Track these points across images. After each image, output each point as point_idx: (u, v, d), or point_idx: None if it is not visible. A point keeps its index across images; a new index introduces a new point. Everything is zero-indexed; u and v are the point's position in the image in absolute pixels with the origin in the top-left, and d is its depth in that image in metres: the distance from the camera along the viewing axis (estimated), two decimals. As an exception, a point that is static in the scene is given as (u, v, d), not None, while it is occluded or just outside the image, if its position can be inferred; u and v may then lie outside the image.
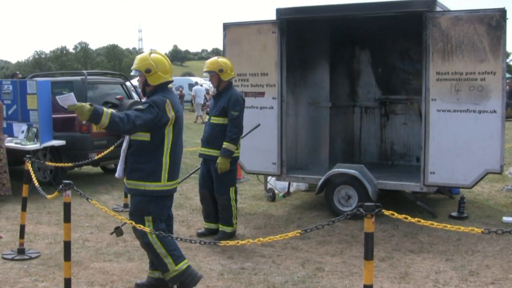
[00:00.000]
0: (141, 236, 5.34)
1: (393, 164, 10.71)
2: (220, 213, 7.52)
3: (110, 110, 4.96)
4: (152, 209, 5.34)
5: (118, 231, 6.85)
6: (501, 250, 6.85)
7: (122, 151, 5.49)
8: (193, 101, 30.32)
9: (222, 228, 7.52)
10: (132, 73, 5.49)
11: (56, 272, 6.20)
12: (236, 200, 7.55)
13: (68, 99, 5.14)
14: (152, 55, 5.37)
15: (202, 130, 7.94)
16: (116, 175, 5.60)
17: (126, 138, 5.40)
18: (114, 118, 4.91)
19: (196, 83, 33.85)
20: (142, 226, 5.21)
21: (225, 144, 7.22)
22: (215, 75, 7.35)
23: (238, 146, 7.35)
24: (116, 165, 12.69)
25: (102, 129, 5.27)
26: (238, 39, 9.07)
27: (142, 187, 5.33)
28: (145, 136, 5.25)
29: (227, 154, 7.23)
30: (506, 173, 9.80)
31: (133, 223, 5.26)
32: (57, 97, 5.19)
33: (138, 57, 5.44)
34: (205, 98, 29.73)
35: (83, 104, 4.91)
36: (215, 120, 7.37)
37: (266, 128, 8.77)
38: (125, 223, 7.01)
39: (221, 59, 7.48)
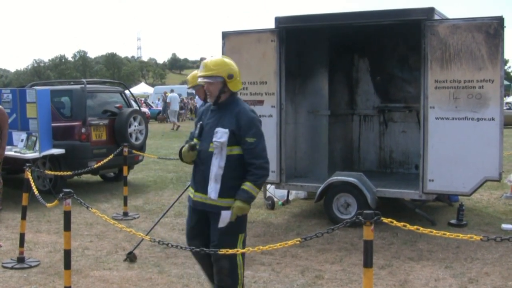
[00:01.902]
0: (229, 258, 4.87)
1: (392, 172, 10.72)
2: None
3: (248, 183, 4.77)
4: (245, 226, 5.02)
5: (131, 256, 6.90)
6: (500, 258, 6.85)
7: (217, 167, 4.83)
8: (167, 109, 30.53)
9: None
10: (200, 80, 4.98)
11: (56, 280, 6.20)
12: None
13: (225, 218, 4.81)
14: (226, 59, 5.07)
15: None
16: (212, 196, 4.84)
17: (220, 151, 4.82)
18: (258, 183, 4.81)
19: (172, 91, 34.10)
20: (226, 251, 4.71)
21: None
22: (201, 88, 7.36)
23: None
24: (115, 173, 12.79)
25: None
26: (237, 47, 9.09)
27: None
28: (239, 150, 4.88)
29: None
30: (505, 181, 9.82)
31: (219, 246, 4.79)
32: (220, 226, 4.83)
33: (212, 62, 4.94)
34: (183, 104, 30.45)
35: (235, 206, 4.75)
36: None
37: (265, 136, 8.74)
38: (136, 247, 7.09)
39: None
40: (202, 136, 4.97)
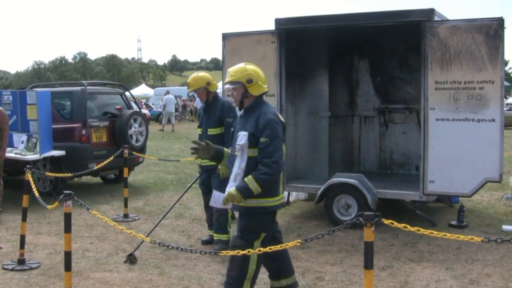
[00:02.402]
0: (243, 242, 5.02)
1: (393, 173, 10.72)
2: (216, 220, 7.50)
3: (250, 175, 4.87)
4: (268, 225, 5.11)
5: (131, 258, 6.90)
6: (501, 259, 6.85)
7: (237, 168, 5.01)
8: (163, 110, 30.76)
9: (218, 236, 7.51)
10: (226, 86, 5.19)
11: (57, 282, 6.20)
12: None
13: (217, 199, 5.11)
14: (248, 65, 5.27)
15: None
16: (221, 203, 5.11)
17: (242, 154, 4.99)
18: (258, 177, 4.84)
19: (168, 93, 34.43)
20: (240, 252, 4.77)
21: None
22: (203, 90, 7.46)
23: None
24: (115, 175, 12.79)
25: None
26: (237, 49, 9.09)
27: (263, 204, 5.02)
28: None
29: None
30: (511, 184, 9.79)
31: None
32: (211, 204, 5.26)
33: (233, 69, 5.22)
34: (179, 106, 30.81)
35: (227, 192, 4.91)
36: (213, 131, 7.42)
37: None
38: (136, 248, 7.09)
39: (203, 74, 7.63)
40: (233, 141, 5.20)
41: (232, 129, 5.33)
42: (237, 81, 5.11)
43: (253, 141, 4.93)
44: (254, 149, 4.94)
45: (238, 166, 4.94)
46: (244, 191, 4.85)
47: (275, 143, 4.92)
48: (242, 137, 4.94)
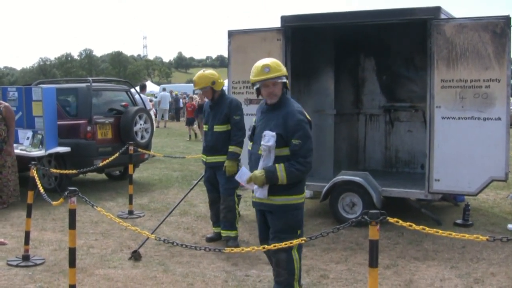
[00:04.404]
0: (286, 251, 4.94)
1: (398, 172, 10.70)
2: (224, 217, 7.51)
3: (282, 164, 4.82)
4: (301, 221, 5.09)
5: (136, 255, 6.90)
6: (506, 258, 6.83)
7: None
8: (157, 107, 31.06)
9: (226, 233, 7.53)
10: (267, 82, 4.95)
11: (61, 278, 6.20)
12: (238, 204, 7.66)
13: (243, 174, 5.02)
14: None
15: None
16: (261, 195, 4.99)
17: (268, 154, 4.89)
18: (289, 168, 4.79)
19: (164, 90, 34.85)
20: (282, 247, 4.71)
21: (232, 148, 7.36)
22: (209, 89, 7.47)
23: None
24: (120, 172, 12.79)
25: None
26: (243, 46, 9.08)
27: (292, 201, 4.99)
28: (288, 151, 4.93)
29: (235, 157, 7.37)
30: None
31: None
32: (236, 178, 5.15)
33: (275, 62, 5.05)
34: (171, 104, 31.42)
35: (253, 172, 4.90)
36: (219, 128, 7.42)
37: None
38: (141, 245, 7.10)
39: (208, 72, 7.60)
40: (254, 137, 5.10)
41: (253, 124, 5.16)
42: (282, 75, 4.95)
43: (280, 141, 4.84)
44: (281, 148, 4.86)
45: (264, 166, 4.87)
46: (270, 175, 4.80)
47: (308, 144, 4.87)
48: (269, 138, 4.83)
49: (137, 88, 15.60)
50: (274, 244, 4.68)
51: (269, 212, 5.04)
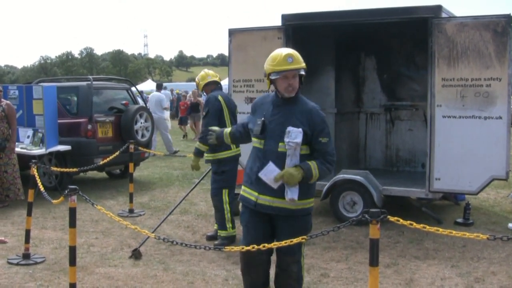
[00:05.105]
0: (297, 262, 4.74)
1: (399, 170, 10.70)
2: (215, 215, 7.64)
3: (314, 161, 4.54)
4: (311, 226, 4.83)
5: (136, 253, 6.90)
6: (507, 257, 6.82)
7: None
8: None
9: (219, 232, 7.61)
10: (290, 72, 4.55)
11: (61, 277, 6.20)
12: (230, 203, 7.46)
13: (269, 171, 4.55)
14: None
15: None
16: (294, 195, 4.54)
17: (294, 152, 4.53)
18: (322, 166, 4.54)
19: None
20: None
21: (196, 144, 7.54)
22: (199, 90, 8.02)
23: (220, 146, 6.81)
24: (121, 170, 12.79)
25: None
26: (244, 45, 9.08)
27: (310, 205, 4.74)
28: (307, 150, 4.65)
29: (196, 153, 7.49)
30: None
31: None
32: (260, 175, 4.57)
33: (297, 54, 4.64)
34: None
35: (286, 169, 4.47)
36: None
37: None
38: (141, 244, 7.10)
39: (199, 74, 7.88)
40: (267, 134, 4.62)
41: (261, 118, 4.65)
42: (303, 68, 4.58)
43: (304, 139, 4.48)
44: (302, 146, 4.51)
45: (292, 165, 4.48)
46: (308, 172, 4.47)
47: (332, 142, 4.67)
48: (297, 135, 4.45)
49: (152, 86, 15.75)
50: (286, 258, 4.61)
51: (281, 217, 4.62)
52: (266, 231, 4.74)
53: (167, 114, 18.09)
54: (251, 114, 4.91)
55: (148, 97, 22.37)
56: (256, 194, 4.66)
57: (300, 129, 4.47)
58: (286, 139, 4.47)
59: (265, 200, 4.62)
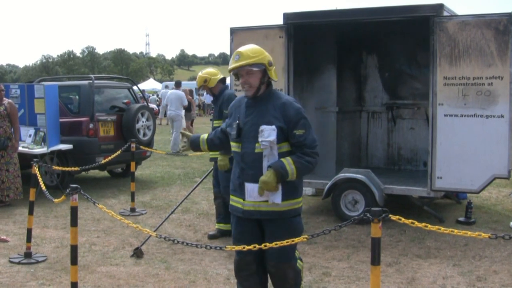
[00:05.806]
0: (293, 267, 4.58)
1: (400, 169, 10.69)
2: (217, 212, 7.82)
3: (289, 157, 4.33)
4: (302, 228, 4.63)
5: (138, 252, 6.91)
6: (508, 256, 6.81)
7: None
8: (159, 105, 31.20)
9: (219, 226, 7.76)
10: (237, 70, 4.44)
11: (63, 276, 6.21)
12: None
13: (250, 191, 4.42)
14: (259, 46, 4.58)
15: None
16: (276, 200, 4.37)
17: (270, 151, 4.36)
18: (298, 161, 4.30)
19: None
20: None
21: None
22: (205, 87, 7.74)
23: None
24: (123, 169, 12.80)
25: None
26: (245, 43, 8.98)
27: (299, 205, 4.55)
28: (288, 147, 4.45)
29: (226, 152, 7.37)
30: None
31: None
32: (248, 199, 4.44)
33: (250, 49, 4.48)
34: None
35: (260, 179, 4.28)
36: (217, 123, 7.52)
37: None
38: (143, 243, 7.11)
39: (205, 71, 7.82)
40: (243, 136, 4.45)
41: (235, 121, 4.50)
42: (259, 63, 4.37)
43: (280, 136, 4.29)
44: (280, 144, 4.33)
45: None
46: (281, 170, 4.24)
47: (312, 133, 4.41)
48: (270, 132, 4.27)
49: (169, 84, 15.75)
50: (278, 265, 4.44)
51: (269, 221, 4.45)
52: (256, 237, 4.55)
53: (183, 112, 18.21)
54: (228, 117, 4.71)
55: (160, 94, 22.24)
56: (241, 201, 4.51)
57: (273, 126, 4.30)
58: (259, 139, 4.32)
59: (250, 205, 4.46)
